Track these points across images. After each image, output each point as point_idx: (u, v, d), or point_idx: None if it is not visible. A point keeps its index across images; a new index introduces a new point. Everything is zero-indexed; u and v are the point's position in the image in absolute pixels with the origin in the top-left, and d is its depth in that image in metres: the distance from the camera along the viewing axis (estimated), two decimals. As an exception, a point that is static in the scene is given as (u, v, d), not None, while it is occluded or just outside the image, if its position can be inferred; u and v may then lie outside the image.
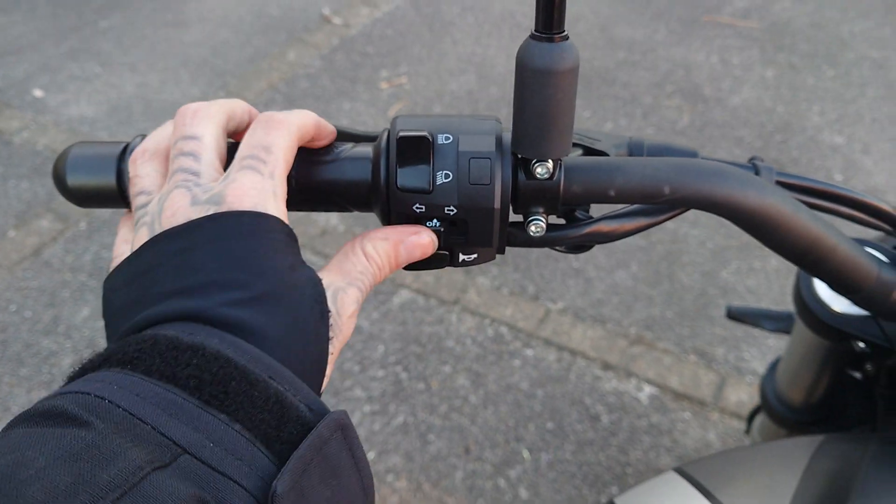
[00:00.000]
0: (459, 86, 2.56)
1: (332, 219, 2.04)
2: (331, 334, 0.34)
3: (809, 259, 0.42)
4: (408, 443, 1.53)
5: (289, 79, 2.61)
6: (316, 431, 0.29)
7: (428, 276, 1.87)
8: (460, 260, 0.40)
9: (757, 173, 0.43)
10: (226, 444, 0.27)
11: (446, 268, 0.40)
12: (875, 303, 0.46)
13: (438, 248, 0.38)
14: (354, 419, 1.56)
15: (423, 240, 0.38)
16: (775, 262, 1.90)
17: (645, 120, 2.40)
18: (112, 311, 0.33)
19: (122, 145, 0.40)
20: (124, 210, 0.41)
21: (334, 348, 0.34)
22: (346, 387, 1.63)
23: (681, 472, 0.47)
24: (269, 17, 2.95)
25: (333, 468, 0.29)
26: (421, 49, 2.76)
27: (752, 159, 0.44)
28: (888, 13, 2.96)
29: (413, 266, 0.39)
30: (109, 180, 0.40)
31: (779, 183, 0.44)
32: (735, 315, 0.80)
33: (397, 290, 1.83)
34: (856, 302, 0.46)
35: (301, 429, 0.29)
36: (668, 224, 2.02)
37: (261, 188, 0.33)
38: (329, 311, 0.34)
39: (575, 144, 0.43)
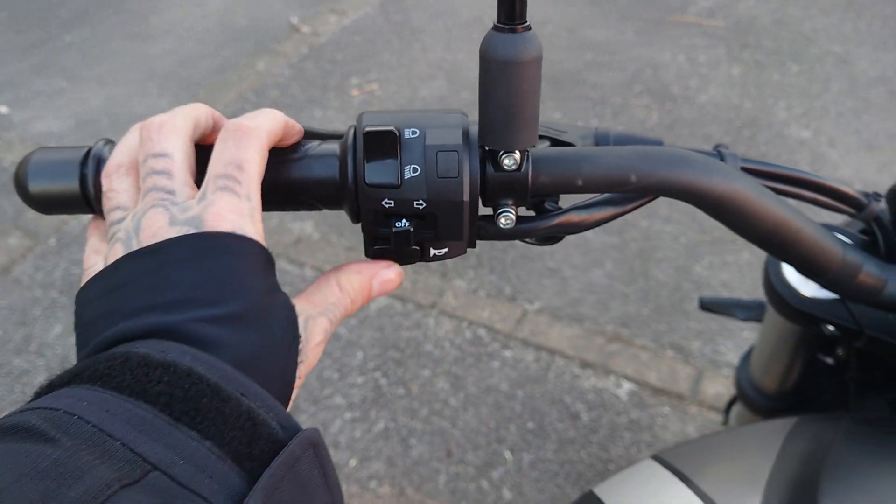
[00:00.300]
0: (430, 91, 2.56)
1: (307, 227, 2.03)
2: (299, 359, 0.34)
3: (775, 242, 0.42)
4: (389, 448, 1.52)
5: (258, 88, 2.60)
6: (288, 449, 0.28)
7: (404, 280, 1.86)
8: (431, 255, 0.40)
9: (722, 160, 0.44)
10: (196, 461, 0.27)
11: (418, 264, 0.40)
12: (842, 285, 0.46)
13: (409, 244, 0.38)
14: (335, 427, 1.56)
15: (393, 274, 0.40)
16: (747, 255, 1.93)
17: (615, 119, 2.42)
18: (84, 323, 0.33)
19: (85, 150, 0.40)
20: (90, 217, 0.41)
21: (300, 374, 0.34)
22: (325, 395, 1.62)
23: (658, 458, 0.47)
24: (236, 27, 2.93)
25: (304, 486, 0.29)
26: (391, 56, 2.76)
27: (717, 146, 0.45)
28: (849, 9, 3.02)
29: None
30: (72, 185, 0.39)
31: (744, 169, 0.45)
32: (708, 306, 0.81)
33: (374, 296, 1.83)
34: (823, 285, 0.47)
35: (272, 446, 0.29)
36: (641, 222, 2.03)
37: (238, 211, 0.33)
38: (300, 337, 0.34)
39: (541, 136, 0.43)
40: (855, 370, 0.63)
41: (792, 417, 0.47)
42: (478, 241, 0.40)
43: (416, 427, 1.56)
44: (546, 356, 1.69)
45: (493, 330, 1.75)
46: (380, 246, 0.39)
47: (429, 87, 2.58)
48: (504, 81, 0.35)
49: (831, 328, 0.55)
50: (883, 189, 0.53)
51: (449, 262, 1.91)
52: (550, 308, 1.81)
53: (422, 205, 0.37)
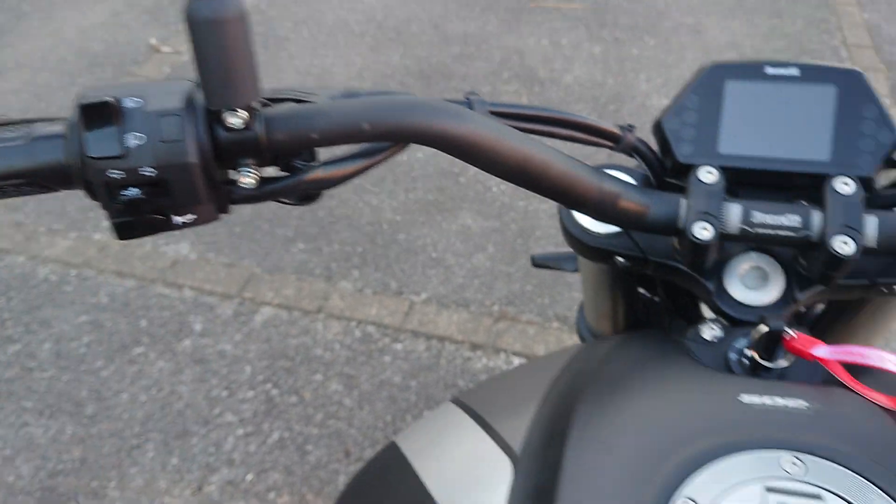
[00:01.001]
0: (301, 98, 2.54)
1: (182, 249, 1.97)
2: None
3: (526, 178, 0.44)
4: (286, 457, 1.50)
5: (122, 114, 2.51)
6: None
7: (288, 289, 1.84)
8: (178, 222, 0.39)
9: (471, 107, 0.45)
10: None
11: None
12: (606, 213, 0.49)
13: (144, 212, 0.38)
14: (228, 444, 1.52)
15: None
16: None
17: (486, 107, 2.47)
18: None
19: None
20: None
21: None
22: (215, 414, 1.58)
23: (457, 401, 0.49)
24: (92, 53, 2.83)
25: None
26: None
27: (467, 94, 0.46)
28: (695, -18, 3.18)
29: (128, 235, 0.39)
30: None
31: (494, 113, 0.47)
32: (539, 263, 0.84)
33: (258, 307, 1.80)
34: (590, 215, 0.49)
35: None
36: (519, 202, 2.08)
37: None
38: None
39: (287, 100, 0.44)
40: (664, 298, 0.66)
41: (579, 344, 0.50)
42: (235, 206, 0.40)
43: (311, 433, 1.54)
44: (436, 344, 1.71)
45: (381, 326, 1.76)
46: (119, 219, 0.38)
47: (299, 95, 2.56)
48: (213, 41, 0.35)
49: (622, 260, 0.58)
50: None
51: (333, 264, 1.90)
52: (437, 297, 1.82)
53: (150, 171, 0.37)
